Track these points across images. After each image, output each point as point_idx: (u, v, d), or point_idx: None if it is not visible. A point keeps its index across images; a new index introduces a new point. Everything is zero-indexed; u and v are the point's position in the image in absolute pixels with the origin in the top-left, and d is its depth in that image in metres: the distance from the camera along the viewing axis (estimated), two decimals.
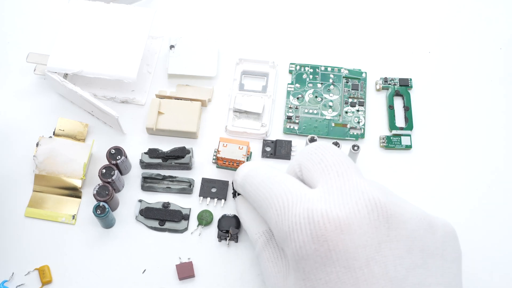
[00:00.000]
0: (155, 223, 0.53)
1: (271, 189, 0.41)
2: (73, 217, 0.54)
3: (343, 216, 0.37)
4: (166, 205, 0.54)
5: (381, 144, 0.58)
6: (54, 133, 0.57)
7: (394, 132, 0.58)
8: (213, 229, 0.54)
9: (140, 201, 0.54)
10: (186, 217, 0.54)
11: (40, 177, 0.54)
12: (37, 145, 0.55)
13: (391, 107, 0.59)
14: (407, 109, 0.59)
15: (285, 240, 0.39)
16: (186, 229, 0.54)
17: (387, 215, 0.37)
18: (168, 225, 0.53)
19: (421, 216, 0.39)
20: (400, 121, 0.59)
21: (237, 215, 0.51)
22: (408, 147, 0.57)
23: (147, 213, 0.54)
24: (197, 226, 0.54)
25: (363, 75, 0.61)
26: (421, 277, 0.37)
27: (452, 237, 0.40)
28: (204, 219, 0.54)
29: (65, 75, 0.59)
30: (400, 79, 0.61)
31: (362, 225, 0.37)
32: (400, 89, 0.60)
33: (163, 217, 0.53)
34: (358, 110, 0.59)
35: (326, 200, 0.38)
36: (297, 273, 0.39)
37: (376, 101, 0.60)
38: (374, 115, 0.59)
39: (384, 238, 0.37)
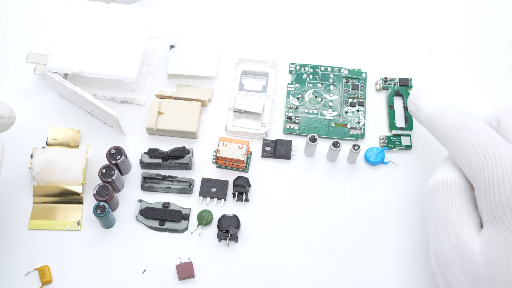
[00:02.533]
0: (155, 223, 0.53)
1: (477, 136, 0.42)
2: (78, 223, 0.54)
3: None
4: (166, 205, 0.54)
5: (381, 144, 0.58)
6: (46, 143, 0.56)
7: (394, 132, 0.58)
8: (213, 229, 0.54)
9: (140, 201, 0.54)
10: (186, 217, 0.54)
11: (39, 188, 0.54)
12: (31, 156, 0.55)
13: (391, 107, 0.59)
14: (407, 109, 0.59)
15: (492, 186, 0.40)
16: (186, 229, 0.54)
17: None
18: (168, 225, 0.53)
19: None
20: (400, 121, 0.59)
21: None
22: (408, 147, 0.57)
23: (147, 213, 0.54)
24: (197, 226, 0.54)
25: (363, 75, 0.61)
26: None
27: None
28: (204, 219, 0.54)
29: (65, 75, 0.59)
30: (400, 79, 0.61)
31: None
32: (400, 89, 0.60)
33: (163, 217, 0.53)
34: (358, 110, 0.59)
35: None
36: (503, 218, 0.39)
37: (376, 101, 0.60)
38: (374, 115, 0.59)
39: None
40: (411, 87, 0.60)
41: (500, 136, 0.43)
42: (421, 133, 0.58)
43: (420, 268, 0.52)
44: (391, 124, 0.58)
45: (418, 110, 0.48)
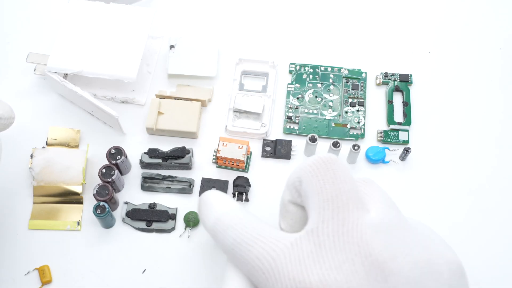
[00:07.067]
0: (142, 224, 0.53)
1: (253, 247, 0.36)
2: (78, 223, 0.54)
3: (342, 280, 0.33)
4: (152, 205, 0.54)
5: (379, 138, 0.58)
6: (46, 143, 0.56)
7: (392, 126, 0.58)
8: (203, 229, 0.53)
9: (126, 203, 0.54)
10: (173, 217, 0.53)
11: (39, 188, 0.54)
12: (31, 156, 0.54)
13: (390, 102, 0.59)
14: (406, 104, 0.59)
15: None
16: (173, 228, 0.53)
17: (385, 273, 0.34)
18: (155, 225, 0.53)
19: (424, 263, 0.35)
20: (398, 116, 0.59)
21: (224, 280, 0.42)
22: (406, 142, 0.57)
23: (134, 214, 0.53)
24: (185, 228, 0.54)
25: (363, 75, 0.61)
26: None
27: (459, 275, 0.37)
28: (191, 220, 0.53)
29: (65, 75, 0.59)
30: (401, 75, 0.61)
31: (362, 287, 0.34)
32: (400, 84, 0.60)
33: (149, 218, 0.53)
34: (358, 110, 0.59)
35: (319, 259, 0.34)
36: None
37: (375, 96, 0.60)
38: (373, 110, 0.59)
39: None
40: (411, 82, 0.60)
41: (284, 238, 0.36)
42: (419, 129, 0.58)
43: None
44: (389, 118, 0.58)
45: (205, 226, 0.40)
